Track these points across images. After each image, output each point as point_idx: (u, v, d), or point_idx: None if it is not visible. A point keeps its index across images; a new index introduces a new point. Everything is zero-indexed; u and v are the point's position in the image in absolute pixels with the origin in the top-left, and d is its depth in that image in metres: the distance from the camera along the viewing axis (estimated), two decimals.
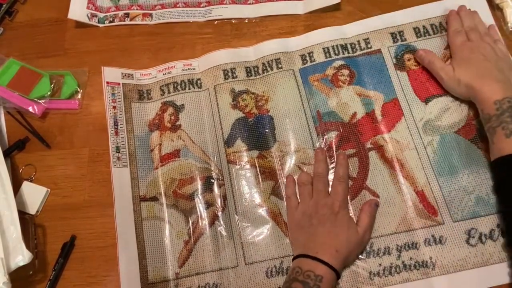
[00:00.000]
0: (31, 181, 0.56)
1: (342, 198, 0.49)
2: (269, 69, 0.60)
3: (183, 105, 0.59)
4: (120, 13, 0.66)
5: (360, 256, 0.49)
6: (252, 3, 0.65)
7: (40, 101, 0.59)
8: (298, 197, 0.51)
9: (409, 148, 0.53)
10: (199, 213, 0.53)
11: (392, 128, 0.55)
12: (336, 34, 0.60)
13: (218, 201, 0.53)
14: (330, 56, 0.59)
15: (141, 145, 0.57)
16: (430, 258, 0.48)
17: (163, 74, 0.61)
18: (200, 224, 0.53)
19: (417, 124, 0.54)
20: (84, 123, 0.59)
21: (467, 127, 0.53)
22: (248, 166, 0.55)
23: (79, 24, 0.65)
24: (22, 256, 0.48)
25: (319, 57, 0.59)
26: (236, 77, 0.60)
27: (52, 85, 0.60)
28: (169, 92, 0.60)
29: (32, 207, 0.54)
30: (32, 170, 0.57)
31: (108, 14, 0.66)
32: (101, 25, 0.65)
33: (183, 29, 0.64)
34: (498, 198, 0.49)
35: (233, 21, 0.64)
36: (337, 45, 0.59)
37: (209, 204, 0.53)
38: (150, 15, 0.65)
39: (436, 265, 0.48)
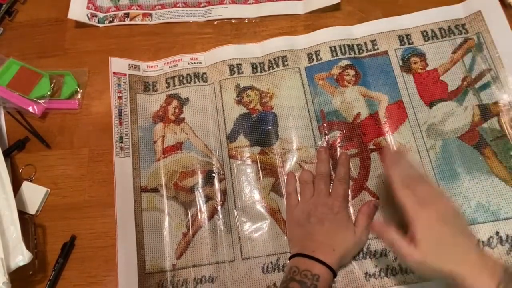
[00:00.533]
0: (31, 181, 0.56)
1: (343, 199, 0.49)
2: (275, 66, 0.60)
3: (187, 98, 0.59)
4: (120, 13, 0.66)
5: (356, 257, 0.49)
6: (252, 3, 0.65)
7: (40, 101, 0.59)
8: (298, 195, 0.52)
9: (411, 151, 0.53)
10: (198, 206, 0.53)
11: (395, 130, 0.55)
12: (343, 34, 0.60)
13: (218, 195, 0.54)
14: (337, 55, 0.59)
15: (144, 136, 0.58)
16: None
17: (169, 67, 0.61)
18: (199, 217, 0.53)
19: (420, 128, 0.54)
20: (84, 123, 0.59)
21: (471, 133, 0.53)
22: (249, 162, 0.55)
23: (79, 24, 0.65)
24: (22, 256, 0.48)
25: (326, 56, 0.59)
26: (242, 73, 0.60)
27: (52, 85, 0.60)
28: (174, 85, 0.60)
29: (32, 207, 0.54)
30: (32, 170, 0.57)
31: (108, 14, 0.66)
32: (101, 25, 0.65)
33: (183, 29, 0.64)
34: None
35: (233, 21, 0.64)
36: (344, 45, 0.59)
37: (209, 198, 0.54)
38: (150, 15, 0.65)
39: None
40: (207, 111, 0.58)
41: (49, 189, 0.56)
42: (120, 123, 0.57)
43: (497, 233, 0.49)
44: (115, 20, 0.65)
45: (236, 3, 0.65)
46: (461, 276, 0.38)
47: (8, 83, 0.60)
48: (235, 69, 0.60)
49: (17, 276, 0.48)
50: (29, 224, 0.53)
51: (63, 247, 0.53)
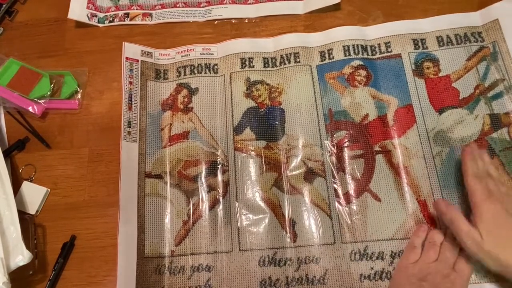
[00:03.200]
0: (31, 181, 0.56)
1: (466, 278, 0.44)
2: (286, 62, 0.60)
3: (197, 88, 0.60)
4: (120, 13, 0.66)
5: (353, 257, 0.49)
6: (252, 3, 0.64)
7: (40, 101, 0.59)
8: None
9: (417, 156, 0.53)
10: (200, 196, 0.54)
11: (403, 134, 0.54)
12: (358, 34, 0.60)
13: (220, 187, 0.54)
14: (350, 55, 0.59)
15: (152, 123, 0.58)
16: None
17: (182, 56, 0.62)
18: (200, 206, 0.53)
19: (428, 133, 0.54)
20: (84, 123, 0.59)
21: (479, 142, 0.52)
22: (254, 155, 0.55)
23: (79, 24, 0.65)
24: (22, 256, 0.48)
25: (338, 55, 0.59)
26: (253, 66, 0.60)
27: (52, 85, 0.60)
28: (185, 74, 0.61)
29: (32, 207, 0.54)
30: (32, 170, 0.57)
31: (108, 14, 0.66)
32: (101, 25, 0.66)
33: (183, 29, 0.64)
34: None
35: (233, 21, 0.64)
36: (357, 45, 0.59)
37: (211, 188, 0.54)
38: (150, 15, 0.65)
39: None
40: (216, 102, 0.59)
41: (49, 189, 0.56)
42: (130, 108, 0.58)
43: None
44: (115, 20, 0.66)
45: (236, 3, 0.65)
46: None
47: (8, 83, 0.60)
48: (247, 62, 0.60)
49: (17, 276, 0.49)
50: (29, 224, 0.53)
51: (63, 247, 0.53)
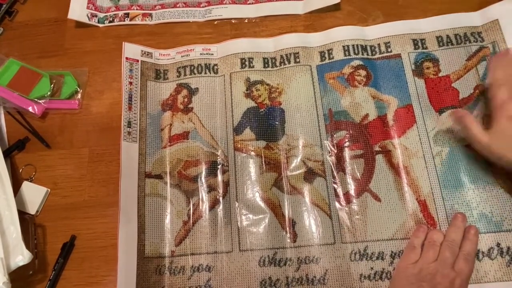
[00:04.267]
0: (31, 181, 0.56)
1: (466, 278, 0.44)
2: (286, 62, 0.60)
3: (197, 88, 0.60)
4: (120, 13, 0.66)
5: (353, 257, 0.49)
6: (252, 3, 0.64)
7: (40, 101, 0.59)
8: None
9: (417, 156, 0.53)
10: (200, 196, 0.54)
11: (403, 134, 0.54)
12: (358, 34, 0.60)
13: (220, 187, 0.54)
14: (349, 55, 0.59)
15: (152, 123, 0.58)
16: None
17: (182, 56, 0.62)
18: (200, 206, 0.53)
19: (428, 133, 0.54)
20: (84, 123, 0.59)
21: None
22: (254, 155, 0.55)
23: (79, 24, 0.65)
24: (22, 256, 0.48)
25: (338, 55, 0.59)
26: (253, 66, 0.60)
27: (52, 85, 0.60)
28: (185, 74, 0.61)
29: (32, 207, 0.54)
30: (32, 170, 0.57)
31: (108, 14, 0.66)
32: (101, 25, 0.65)
33: (183, 29, 0.64)
34: None
35: (233, 21, 0.64)
36: (357, 45, 0.59)
37: (211, 188, 0.54)
38: (150, 15, 0.65)
39: None
40: (216, 102, 0.59)
41: (49, 189, 0.56)
42: (130, 108, 0.58)
43: (498, 244, 0.48)
44: (115, 20, 0.65)
45: (236, 3, 0.65)
46: None
47: (8, 83, 0.60)
48: (247, 62, 0.60)
49: (17, 276, 0.49)
50: (29, 224, 0.53)
51: (63, 247, 0.53)
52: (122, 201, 0.53)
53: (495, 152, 0.45)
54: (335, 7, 0.62)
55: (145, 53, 0.62)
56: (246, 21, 0.64)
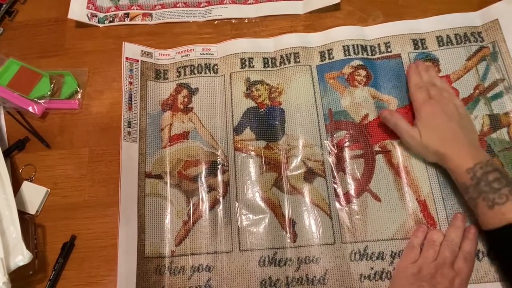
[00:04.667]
0: (31, 181, 0.56)
1: (466, 277, 0.44)
2: (286, 62, 0.60)
3: (197, 88, 0.60)
4: (120, 13, 0.66)
5: (353, 257, 0.49)
6: (252, 3, 0.64)
7: (40, 101, 0.59)
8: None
9: (417, 157, 0.53)
10: (200, 196, 0.54)
11: None
12: (357, 34, 0.60)
13: (221, 187, 0.54)
14: (349, 55, 0.59)
15: (152, 123, 0.58)
16: None
17: (182, 56, 0.62)
18: (200, 206, 0.53)
19: None
20: (84, 123, 0.59)
21: (479, 142, 0.52)
22: (254, 155, 0.55)
23: (79, 24, 0.65)
24: (22, 256, 0.48)
25: (338, 55, 0.59)
26: (253, 66, 0.60)
27: (52, 85, 0.60)
28: (185, 74, 0.61)
29: (32, 207, 0.54)
30: (32, 170, 0.57)
31: (108, 14, 0.66)
32: (101, 25, 0.65)
33: (183, 29, 0.64)
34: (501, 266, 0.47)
35: (233, 21, 0.64)
36: (357, 45, 0.59)
37: (211, 188, 0.54)
38: (150, 15, 0.65)
39: None
40: (216, 102, 0.59)
41: (49, 189, 0.56)
42: (130, 108, 0.58)
43: None
44: (115, 20, 0.65)
45: (236, 3, 0.65)
46: (448, 156, 0.47)
47: (8, 83, 0.60)
48: (247, 62, 0.60)
49: (17, 276, 0.49)
50: (29, 224, 0.53)
51: (63, 247, 0.53)
52: (122, 201, 0.53)
53: (425, 143, 0.49)
54: (335, 7, 0.62)
55: (145, 53, 0.62)
56: (246, 21, 0.64)
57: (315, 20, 0.63)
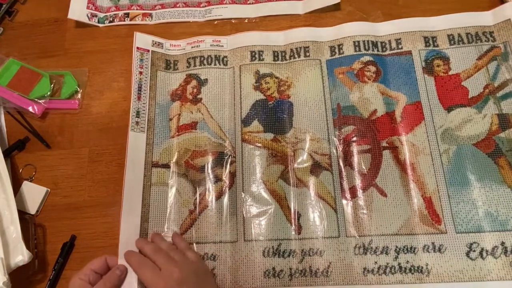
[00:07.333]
0: (31, 181, 0.56)
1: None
2: (296, 56, 0.60)
3: (206, 79, 0.60)
4: (120, 13, 0.66)
5: (357, 251, 0.50)
6: (252, 3, 0.65)
7: (40, 101, 0.59)
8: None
9: (424, 153, 0.53)
10: (207, 186, 0.54)
11: (410, 131, 0.54)
12: (368, 30, 0.60)
13: (227, 177, 0.54)
14: (360, 50, 0.59)
15: (161, 113, 0.59)
16: (426, 264, 0.48)
17: (192, 47, 0.62)
18: (206, 196, 0.54)
19: (436, 131, 0.54)
20: (84, 123, 0.59)
21: (487, 141, 0.52)
22: (261, 147, 0.55)
23: (79, 24, 0.65)
24: (22, 256, 0.48)
25: (348, 50, 0.59)
26: (263, 59, 0.60)
27: (52, 85, 0.60)
28: (195, 65, 0.61)
29: (32, 207, 0.54)
30: (32, 170, 0.57)
31: (108, 14, 0.66)
32: (101, 25, 0.66)
33: (183, 29, 0.64)
34: None
35: (233, 21, 0.64)
36: (368, 41, 0.59)
37: (218, 179, 0.55)
38: (150, 15, 0.66)
39: (431, 272, 0.48)
40: (225, 94, 0.59)
41: (49, 189, 0.56)
42: (139, 98, 0.58)
43: (503, 243, 0.48)
44: (115, 20, 0.66)
45: (236, 3, 0.65)
46: None
47: (8, 83, 0.60)
48: (256, 55, 0.61)
49: (17, 276, 0.49)
50: (29, 224, 0.53)
51: (63, 247, 0.52)
52: (126, 191, 0.53)
53: None
54: (335, 7, 0.62)
55: (156, 43, 0.62)
56: (246, 21, 0.64)
57: (315, 20, 0.63)
